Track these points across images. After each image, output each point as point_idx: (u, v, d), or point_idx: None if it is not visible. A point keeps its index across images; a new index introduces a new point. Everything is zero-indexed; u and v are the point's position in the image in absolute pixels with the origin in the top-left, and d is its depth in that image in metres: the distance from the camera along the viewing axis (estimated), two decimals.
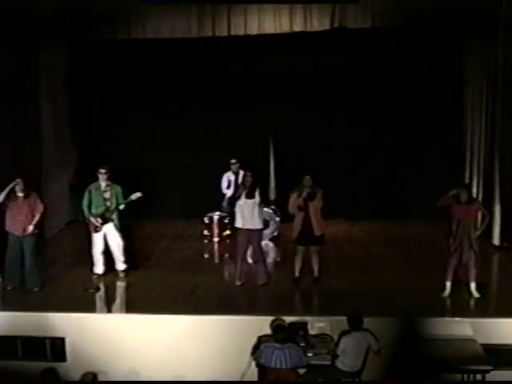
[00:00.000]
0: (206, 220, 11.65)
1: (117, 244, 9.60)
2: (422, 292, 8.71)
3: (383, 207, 12.27)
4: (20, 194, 9.06)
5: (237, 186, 10.91)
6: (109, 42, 11.39)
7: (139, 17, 10.82)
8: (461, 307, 8.43)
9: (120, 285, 9.49)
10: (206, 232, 11.64)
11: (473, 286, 8.61)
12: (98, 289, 9.25)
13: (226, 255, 10.91)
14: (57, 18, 10.65)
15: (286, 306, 8.52)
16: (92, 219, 9.46)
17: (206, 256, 10.95)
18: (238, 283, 9.29)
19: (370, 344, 7.25)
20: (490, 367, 7.25)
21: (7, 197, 9.01)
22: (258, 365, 7.34)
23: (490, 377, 7.27)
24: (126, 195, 9.51)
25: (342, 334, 7.34)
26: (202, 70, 12.20)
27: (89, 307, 8.66)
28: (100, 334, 8.18)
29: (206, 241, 11.59)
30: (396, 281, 9.19)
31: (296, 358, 7.03)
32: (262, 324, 7.75)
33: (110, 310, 8.85)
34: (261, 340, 7.62)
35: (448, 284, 8.65)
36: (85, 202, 9.49)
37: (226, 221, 11.43)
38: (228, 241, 11.37)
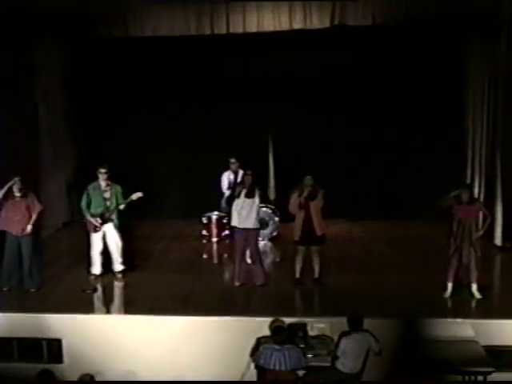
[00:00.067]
0: (205, 220, 11.61)
1: (116, 244, 9.54)
2: (423, 292, 8.65)
3: (384, 207, 12.24)
4: (17, 194, 8.99)
5: (235, 186, 10.84)
6: (108, 41, 11.39)
7: (137, 15, 10.84)
8: (462, 308, 8.37)
9: (118, 285, 9.42)
10: (204, 232, 11.60)
11: (474, 287, 8.55)
12: (95, 289, 9.18)
13: (225, 255, 10.85)
14: (55, 17, 10.64)
15: (286, 307, 8.44)
16: (91, 219, 9.41)
17: (205, 256, 10.88)
18: (236, 283, 9.23)
19: (371, 345, 7.18)
20: (492, 369, 7.21)
21: (4, 196, 8.95)
22: (257, 366, 7.27)
23: (491, 378, 7.23)
24: (126, 195, 9.46)
25: (342, 335, 7.27)
26: (201, 70, 12.18)
27: (86, 308, 8.57)
28: (97, 336, 8.10)
29: (204, 241, 11.55)
30: (397, 281, 9.15)
31: (295, 359, 6.96)
32: (261, 325, 7.67)
33: (107, 311, 8.78)
34: (260, 341, 7.54)
35: (449, 285, 8.59)
36: (83, 203, 9.44)
37: (225, 221, 11.37)
38: (227, 241, 11.31)
